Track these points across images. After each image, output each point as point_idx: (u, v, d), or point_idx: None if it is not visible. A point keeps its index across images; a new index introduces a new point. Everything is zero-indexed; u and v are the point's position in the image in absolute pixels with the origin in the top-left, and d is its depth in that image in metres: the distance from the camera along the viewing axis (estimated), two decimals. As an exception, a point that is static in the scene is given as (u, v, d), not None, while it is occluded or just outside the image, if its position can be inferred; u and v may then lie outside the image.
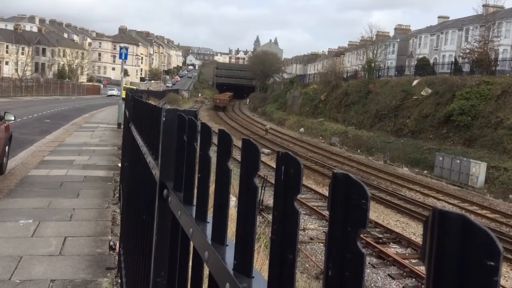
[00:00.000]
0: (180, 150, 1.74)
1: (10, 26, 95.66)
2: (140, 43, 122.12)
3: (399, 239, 14.41)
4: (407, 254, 13.28)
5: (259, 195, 0.99)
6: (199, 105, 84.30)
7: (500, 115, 28.87)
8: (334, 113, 49.04)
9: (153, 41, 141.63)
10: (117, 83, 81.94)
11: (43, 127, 21.83)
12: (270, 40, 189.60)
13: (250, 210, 0.99)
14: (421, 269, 11.46)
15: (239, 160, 1.06)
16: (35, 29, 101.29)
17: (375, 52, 52.05)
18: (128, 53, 26.09)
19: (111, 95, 75.91)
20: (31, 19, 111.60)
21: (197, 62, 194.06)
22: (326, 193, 19.22)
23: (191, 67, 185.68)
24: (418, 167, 29.68)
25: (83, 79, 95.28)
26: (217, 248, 1.11)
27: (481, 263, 0.44)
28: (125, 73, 62.38)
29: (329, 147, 37.78)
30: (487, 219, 17.90)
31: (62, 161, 12.14)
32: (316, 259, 12.36)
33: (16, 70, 71.65)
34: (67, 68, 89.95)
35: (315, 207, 17.02)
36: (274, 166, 0.85)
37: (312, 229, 15.07)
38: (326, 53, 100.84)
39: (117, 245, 5.47)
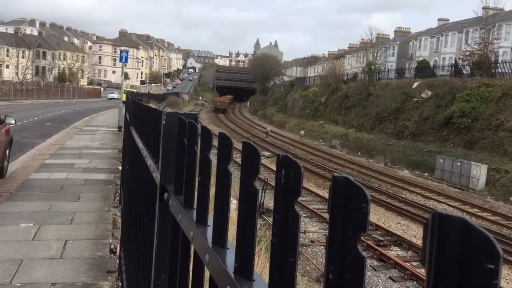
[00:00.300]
0: (180, 153, 1.74)
1: (11, 30, 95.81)
2: (140, 46, 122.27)
3: (400, 241, 14.40)
4: (408, 257, 13.27)
5: (259, 198, 0.99)
6: (200, 108, 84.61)
7: (501, 117, 28.86)
8: (334, 116, 49.06)
9: (153, 44, 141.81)
10: (117, 86, 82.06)
11: (43, 130, 21.84)
12: (270, 43, 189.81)
13: (250, 213, 0.99)
14: (422, 271, 11.44)
15: (240, 163, 1.06)
16: (35, 33, 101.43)
17: (375, 54, 52.09)
18: (129, 56, 26.15)
19: (111, 98, 76.00)
20: (32, 22, 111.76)
21: (198, 65, 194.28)
22: (327, 196, 19.20)
23: (191, 70, 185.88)
24: (418, 169, 29.66)
25: (83, 82, 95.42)
26: (217, 251, 1.11)
27: (481, 266, 0.44)
28: (126, 76, 62.49)
29: (330, 150, 37.77)
30: (488, 221, 17.88)
31: (62, 164, 12.14)
32: (317, 261, 12.35)
33: (17, 73, 71.73)
34: (67, 72, 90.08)
35: (315, 210, 17.00)
36: (275, 169, 0.85)
37: (313, 231, 15.05)
38: (326, 55, 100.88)
39: (118, 248, 5.46)
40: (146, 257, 2.26)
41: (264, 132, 46.46)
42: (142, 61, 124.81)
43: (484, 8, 46.68)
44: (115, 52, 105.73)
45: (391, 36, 71.66)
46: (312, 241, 14.13)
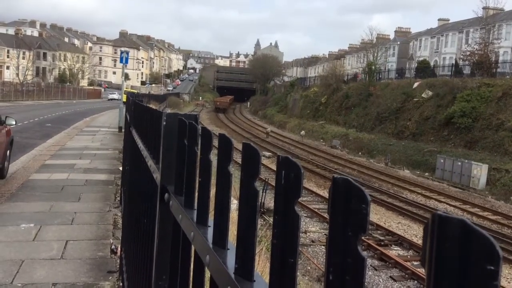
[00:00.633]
0: (181, 154, 1.74)
1: (11, 31, 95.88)
2: (140, 47, 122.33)
3: (401, 241, 14.40)
4: (408, 256, 13.27)
5: (260, 198, 0.99)
6: (200, 108, 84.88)
7: (501, 117, 28.86)
8: (335, 116, 49.06)
9: (153, 45, 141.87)
10: (118, 87, 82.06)
11: (44, 131, 21.85)
12: (271, 43, 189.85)
13: (251, 214, 0.99)
14: (423, 271, 11.42)
15: (240, 163, 1.06)
16: (36, 34, 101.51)
17: (375, 54, 52.08)
18: (129, 57, 26.17)
19: (112, 99, 76.03)
20: (32, 23, 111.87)
21: (198, 66, 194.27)
22: (327, 196, 19.20)
23: (191, 70, 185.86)
24: (419, 169, 29.66)
25: (84, 83, 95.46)
26: (218, 252, 1.11)
27: (481, 267, 0.44)
28: (126, 77, 62.54)
29: (330, 150, 37.76)
30: (489, 221, 17.87)
31: (63, 165, 12.14)
32: (317, 261, 12.35)
33: (17, 74, 71.79)
34: (68, 72, 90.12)
35: (316, 210, 17.01)
36: (275, 169, 0.85)
37: (313, 231, 15.06)
38: (327, 56, 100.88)
39: (119, 248, 5.46)
40: (147, 257, 2.26)
41: (265, 133, 46.46)
42: (143, 61, 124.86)
43: (484, 8, 46.67)
44: (115, 53, 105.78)
45: (392, 36, 71.67)
46: (312, 241, 14.14)
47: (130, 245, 3.47)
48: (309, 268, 11.93)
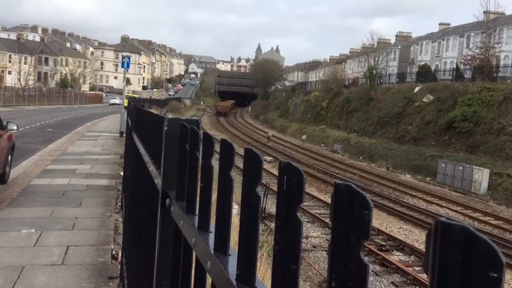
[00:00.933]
0: (182, 159, 1.74)
1: (13, 36, 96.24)
2: (142, 52, 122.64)
3: (402, 246, 14.35)
4: (410, 262, 13.22)
5: (261, 203, 0.98)
6: (201, 113, 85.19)
7: (503, 122, 28.83)
8: (336, 120, 49.08)
9: (155, 49, 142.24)
10: (119, 92, 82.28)
11: (45, 136, 21.88)
12: (272, 48, 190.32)
13: (252, 219, 0.99)
14: (425, 276, 11.39)
15: (241, 168, 1.06)
16: (37, 39, 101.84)
17: (376, 59, 52.14)
18: (130, 62, 26.22)
19: (113, 104, 76.15)
20: (34, 28, 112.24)
21: (199, 70, 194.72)
22: (329, 201, 19.16)
23: (193, 75, 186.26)
24: (420, 174, 29.61)
25: (85, 88, 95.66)
26: (219, 258, 1.10)
27: (484, 274, 0.43)
28: (128, 81, 62.61)
29: (331, 154, 37.74)
30: (490, 225, 17.82)
31: (64, 170, 12.15)
32: (319, 267, 12.31)
33: (19, 79, 71.90)
34: (69, 77, 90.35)
35: (317, 215, 16.97)
36: (277, 174, 0.85)
37: (314, 236, 15.02)
38: (328, 60, 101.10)
39: (120, 254, 5.45)
40: (147, 263, 2.26)
41: (266, 137, 46.46)
42: (144, 66, 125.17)
43: (485, 12, 46.72)
44: (117, 57, 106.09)
45: (392, 41, 71.78)
46: (314, 246, 14.10)
47: (131, 251, 3.46)
48: (310, 273, 11.89)
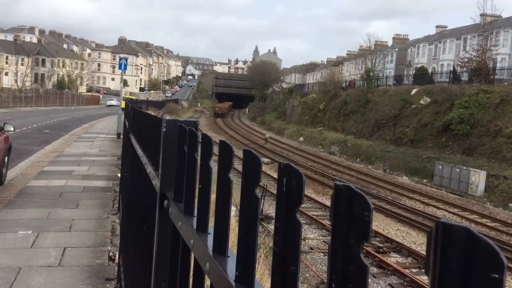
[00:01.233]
0: (180, 161, 1.74)
1: (10, 37, 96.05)
2: (139, 54, 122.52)
3: (400, 248, 14.37)
4: (407, 264, 13.24)
5: (259, 205, 0.98)
6: (199, 114, 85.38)
7: (499, 124, 28.92)
8: (333, 122, 49.14)
9: (152, 51, 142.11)
10: (116, 93, 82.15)
11: (42, 137, 21.82)
12: (269, 50, 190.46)
13: (251, 221, 0.99)
14: (422, 278, 11.41)
15: (239, 170, 1.06)
16: (34, 40, 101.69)
17: (373, 61, 52.26)
18: (128, 64, 26.21)
19: (110, 105, 76.08)
20: (31, 30, 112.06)
21: (197, 72, 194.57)
22: (326, 202, 19.17)
23: (190, 77, 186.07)
24: (417, 176, 29.67)
25: (82, 89, 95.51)
26: (218, 259, 1.10)
27: (485, 275, 0.44)
28: (125, 83, 62.50)
29: (329, 156, 37.77)
30: (487, 227, 17.85)
31: (61, 171, 12.12)
32: (316, 268, 12.31)
33: (16, 80, 71.84)
34: (66, 79, 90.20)
35: (315, 217, 16.97)
36: (274, 176, 0.85)
37: (312, 238, 15.02)
38: (325, 62, 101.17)
39: (117, 256, 5.44)
40: (145, 264, 2.25)
41: (263, 139, 46.48)
42: (141, 68, 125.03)
43: (482, 15, 46.84)
44: (114, 59, 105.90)
45: (390, 43, 71.99)
46: (311, 248, 14.10)
47: (128, 252, 3.46)
48: (307, 275, 11.89)
